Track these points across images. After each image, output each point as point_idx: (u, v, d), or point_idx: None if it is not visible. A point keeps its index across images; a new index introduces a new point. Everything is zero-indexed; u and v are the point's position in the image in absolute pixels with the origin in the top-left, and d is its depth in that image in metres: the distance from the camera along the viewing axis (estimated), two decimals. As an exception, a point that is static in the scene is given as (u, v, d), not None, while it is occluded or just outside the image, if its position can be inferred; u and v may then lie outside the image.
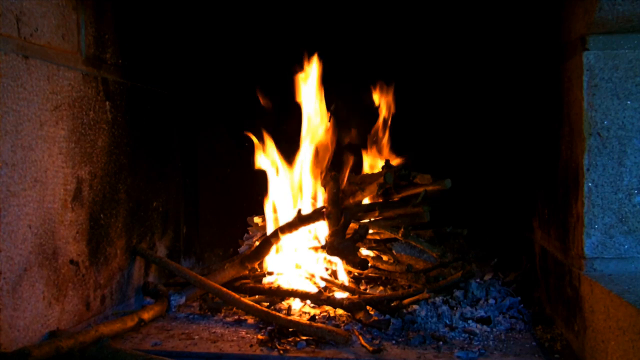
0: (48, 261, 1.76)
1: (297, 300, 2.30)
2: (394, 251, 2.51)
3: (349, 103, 2.83)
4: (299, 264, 2.54)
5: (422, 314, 2.06)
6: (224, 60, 2.97)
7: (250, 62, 2.94)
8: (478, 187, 2.81)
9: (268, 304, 2.24)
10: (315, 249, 2.53)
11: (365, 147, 2.86)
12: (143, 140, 2.39)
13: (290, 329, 1.94)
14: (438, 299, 2.16)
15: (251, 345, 1.88)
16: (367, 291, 2.38)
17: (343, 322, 2.09)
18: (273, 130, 2.80)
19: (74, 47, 1.93)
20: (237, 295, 2.14)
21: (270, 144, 2.77)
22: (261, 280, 2.47)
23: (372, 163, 2.84)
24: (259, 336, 1.94)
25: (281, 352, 1.82)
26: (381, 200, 2.57)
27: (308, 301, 2.28)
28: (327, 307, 2.23)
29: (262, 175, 2.76)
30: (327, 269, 2.51)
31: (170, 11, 2.66)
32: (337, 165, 2.78)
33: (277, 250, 2.56)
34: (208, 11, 2.88)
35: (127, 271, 2.26)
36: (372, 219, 2.55)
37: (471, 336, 1.95)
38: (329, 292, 2.30)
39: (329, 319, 2.12)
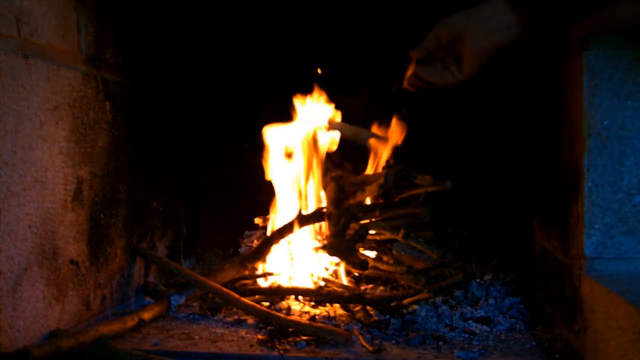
0: (48, 261, 1.76)
1: (298, 300, 2.30)
2: (394, 251, 2.51)
3: (349, 102, 2.83)
4: (299, 264, 2.54)
5: (422, 314, 2.06)
6: (225, 60, 2.98)
7: (252, 62, 2.94)
8: (478, 187, 2.81)
9: (268, 303, 2.24)
10: (316, 249, 2.53)
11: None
12: (143, 140, 2.39)
13: (290, 329, 1.94)
14: (438, 299, 2.16)
15: (251, 345, 1.88)
16: (368, 291, 2.38)
17: (343, 322, 2.09)
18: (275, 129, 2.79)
19: (74, 47, 1.93)
20: (237, 295, 2.14)
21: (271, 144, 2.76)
22: (258, 280, 2.48)
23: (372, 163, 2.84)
24: (259, 336, 1.94)
25: (281, 352, 1.82)
26: (382, 201, 2.57)
27: (308, 300, 2.28)
28: (328, 307, 2.23)
29: (262, 176, 2.75)
30: (326, 269, 2.51)
31: (171, 10, 2.66)
32: (338, 165, 2.78)
33: (277, 251, 2.56)
34: (210, 11, 2.88)
35: (127, 271, 2.26)
36: (373, 220, 2.55)
37: (471, 336, 1.95)
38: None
39: (329, 319, 2.12)
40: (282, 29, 2.88)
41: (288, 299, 2.30)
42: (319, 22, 2.86)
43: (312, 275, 2.47)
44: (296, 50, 2.86)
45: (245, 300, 2.12)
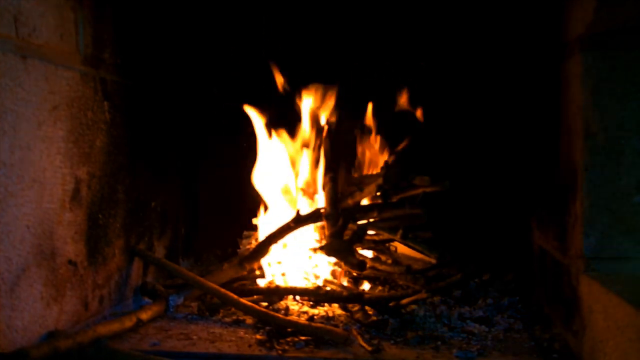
0: (46, 261, 1.76)
1: (296, 300, 2.30)
2: (392, 250, 2.52)
3: (350, 101, 2.83)
4: (298, 265, 2.53)
5: (421, 314, 2.06)
6: (225, 60, 2.97)
7: (251, 62, 2.94)
8: (476, 187, 2.81)
9: (267, 304, 2.23)
10: (314, 249, 2.53)
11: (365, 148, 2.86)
12: (142, 140, 2.38)
13: (288, 329, 1.94)
14: (437, 299, 2.16)
15: (250, 345, 1.88)
16: (366, 291, 2.38)
17: (342, 322, 2.09)
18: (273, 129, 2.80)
19: (73, 47, 1.92)
20: (235, 296, 2.14)
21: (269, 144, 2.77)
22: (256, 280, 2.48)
23: (371, 164, 2.84)
24: (258, 336, 1.94)
25: (280, 352, 1.81)
26: (380, 202, 2.57)
27: (307, 300, 2.28)
28: (326, 308, 2.23)
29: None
30: (325, 269, 2.51)
31: (171, 10, 2.65)
32: (336, 166, 2.78)
33: (275, 251, 2.56)
34: (212, 10, 2.88)
35: (126, 271, 2.25)
36: (371, 220, 2.55)
37: (469, 336, 1.95)
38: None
39: (327, 319, 2.12)
40: (282, 30, 2.88)
41: (286, 299, 2.30)
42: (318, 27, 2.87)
43: (311, 275, 2.47)
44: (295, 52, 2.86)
45: (244, 300, 2.12)
